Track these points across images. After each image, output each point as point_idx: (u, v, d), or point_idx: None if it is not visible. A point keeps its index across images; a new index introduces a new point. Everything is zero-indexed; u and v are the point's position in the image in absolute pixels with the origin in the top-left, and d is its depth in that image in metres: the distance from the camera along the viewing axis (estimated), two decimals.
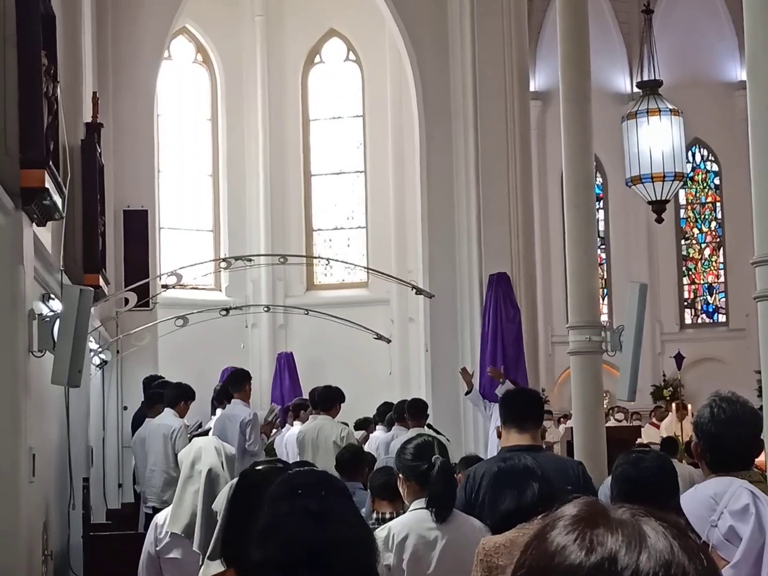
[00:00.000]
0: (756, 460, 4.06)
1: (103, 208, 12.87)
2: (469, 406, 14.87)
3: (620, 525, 1.26)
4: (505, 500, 4.05)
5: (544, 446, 6.00)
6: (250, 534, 2.92)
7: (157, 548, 5.95)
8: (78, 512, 9.78)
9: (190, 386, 10.96)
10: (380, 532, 4.50)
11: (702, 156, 24.08)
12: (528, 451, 4.95)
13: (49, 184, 6.94)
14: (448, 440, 10.71)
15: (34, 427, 7.10)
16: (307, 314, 15.25)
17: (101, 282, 11.75)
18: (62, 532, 9.41)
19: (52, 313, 7.54)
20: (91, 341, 10.75)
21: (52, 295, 8.31)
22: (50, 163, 7.03)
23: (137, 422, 11.77)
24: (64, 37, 10.79)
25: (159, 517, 6.11)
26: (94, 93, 12.90)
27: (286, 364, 19.43)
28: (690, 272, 24.17)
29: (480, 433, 14.62)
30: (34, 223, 7.29)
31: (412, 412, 11.15)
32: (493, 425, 13.13)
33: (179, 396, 10.69)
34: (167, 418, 10.60)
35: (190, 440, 9.35)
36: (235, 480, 3.46)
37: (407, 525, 4.60)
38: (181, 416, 10.69)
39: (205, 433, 10.37)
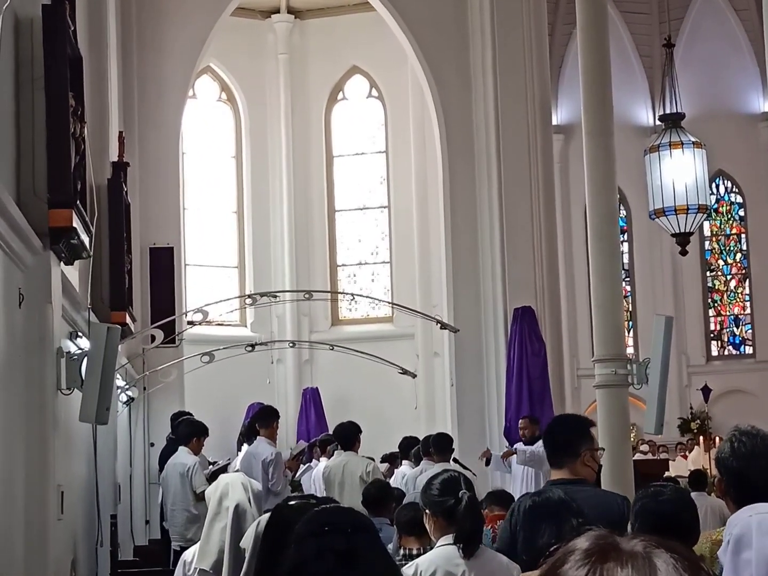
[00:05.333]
0: None
1: (130, 246, 12.96)
2: (495, 441, 14.82)
3: (630, 558, 1.25)
4: (543, 535, 4.00)
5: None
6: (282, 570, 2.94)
7: None
8: (106, 549, 9.80)
9: (203, 422, 11.01)
10: (407, 570, 4.49)
11: (726, 188, 24.02)
12: (574, 484, 4.90)
13: (76, 223, 7.00)
14: (474, 475, 10.69)
15: (62, 465, 7.13)
16: (332, 349, 15.29)
17: (128, 319, 11.81)
18: (90, 570, 9.42)
19: (79, 351, 7.59)
20: (118, 378, 10.81)
21: (80, 333, 8.37)
22: (78, 202, 7.09)
23: (164, 459, 11.80)
24: (91, 78, 10.92)
25: (187, 554, 6.12)
26: (120, 132, 13.03)
27: (311, 400, 19.44)
28: (716, 304, 24.05)
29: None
30: (62, 262, 7.35)
31: (437, 447, 11.13)
32: (515, 465, 12.99)
33: (192, 433, 10.76)
34: (182, 456, 10.65)
35: (211, 476, 9.39)
36: (265, 516, 3.47)
37: (434, 561, 4.59)
38: (195, 453, 10.73)
39: (225, 468, 10.38)
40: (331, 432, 14.74)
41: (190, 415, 12.56)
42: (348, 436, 10.74)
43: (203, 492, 9.34)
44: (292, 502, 3.29)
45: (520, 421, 13.43)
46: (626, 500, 5.44)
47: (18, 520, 6.35)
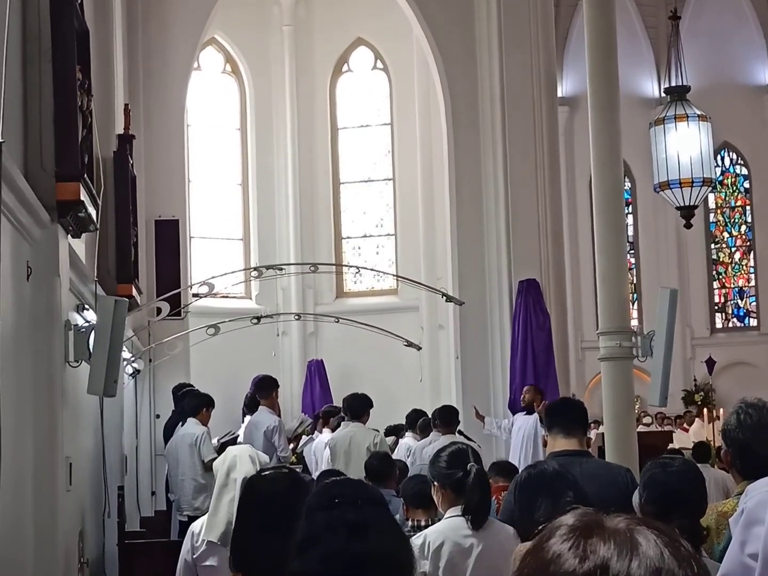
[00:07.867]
0: None
1: (136, 219, 12.97)
2: (500, 414, 14.88)
3: (613, 534, 1.32)
4: (540, 507, 4.03)
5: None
6: (256, 540, 2.98)
7: (194, 556, 5.99)
8: (113, 520, 9.87)
9: (208, 394, 11.11)
10: (416, 540, 4.54)
11: (731, 160, 23.99)
12: (576, 456, 4.93)
13: (83, 196, 7.02)
14: (479, 446, 10.73)
15: (70, 437, 7.18)
16: (337, 322, 15.31)
17: (134, 292, 11.84)
18: (98, 540, 9.49)
19: (87, 324, 7.62)
20: (124, 351, 10.85)
21: (87, 306, 8.40)
22: (85, 176, 7.11)
23: (169, 430, 11.87)
24: (97, 51, 10.89)
25: (195, 526, 6.16)
26: (126, 105, 13.01)
27: (316, 372, 19.50)
28: (720, 276, 24.07)
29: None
30: (69, 235, 7.38)
31: (441, 419, 11.16)
32: (514, 435, 13.08)
33: (200, 404, 10.88)
34: (190, 426, 10.74)
35: (220, 448, 9.45)
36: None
37: (443, 533, 4.63)
38: (204, 423, 10.83)
39: (234, 440, 10.45)
40: (336, 403, 14.81)
41: (192, 386, 12.62)
42: (358, 407, 10.71)
43: (211, 461, 9.41)
44: (266, 473, 3.32)
45: (525, 387, 13.52)
46: (629, 472, 5.48)
47: (27, 491, 6.41)
